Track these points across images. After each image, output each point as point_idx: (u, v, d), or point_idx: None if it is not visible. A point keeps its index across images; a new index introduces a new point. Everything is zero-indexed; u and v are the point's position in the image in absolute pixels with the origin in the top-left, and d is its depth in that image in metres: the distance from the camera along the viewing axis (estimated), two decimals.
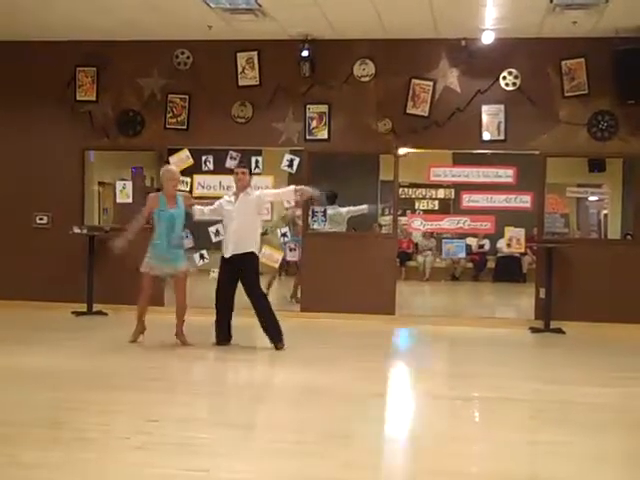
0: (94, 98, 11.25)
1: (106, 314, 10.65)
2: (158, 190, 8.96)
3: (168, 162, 10.83)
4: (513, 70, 10.49)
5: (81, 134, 11.23)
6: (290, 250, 11.20)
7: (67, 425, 5.39)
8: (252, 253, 8.50)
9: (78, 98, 11.25)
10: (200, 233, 10.66)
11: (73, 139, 11.23)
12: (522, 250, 11.68)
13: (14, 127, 11.39)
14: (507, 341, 9.68)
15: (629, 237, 11.51)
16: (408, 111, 10.69)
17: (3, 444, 4.93)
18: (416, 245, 18.29)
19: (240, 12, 9.58)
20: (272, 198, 9.44)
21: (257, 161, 10.82)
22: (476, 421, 6.15)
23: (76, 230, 10.84)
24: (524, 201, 10.60)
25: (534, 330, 10.17)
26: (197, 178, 10.97)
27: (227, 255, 8.47)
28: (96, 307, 10.70)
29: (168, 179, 8.59)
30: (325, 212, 11.17)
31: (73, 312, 10.60)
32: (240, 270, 8.43)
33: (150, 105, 11.16)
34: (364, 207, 12.54)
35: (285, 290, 12.98)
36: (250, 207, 8.50)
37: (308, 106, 10.88)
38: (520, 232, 10.77)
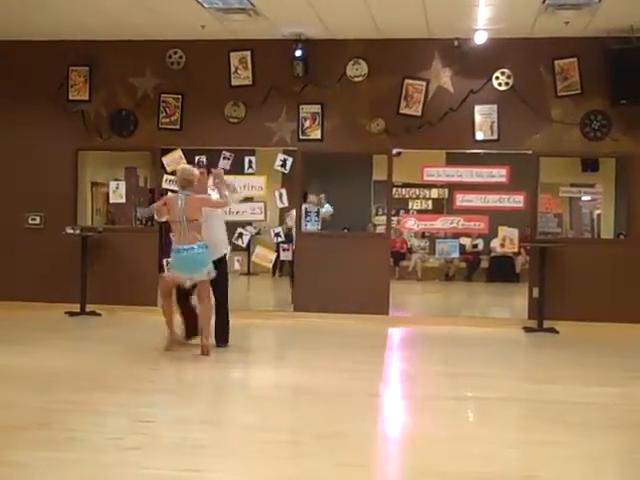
0: (87, 98, 11.21)
1: (99, 315, 10.62)
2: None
3: (162, 163, 10.86)
4: (506, 70, 10.49)
5: (74, 134, 11.20)
6: (284, 250, 11.19)
7: (59, 425, 5.36)
8: (224, 257, 8.45)
9: (71, 98, 11.21)
10: None
11: (66, 139, 11.18)
12: (515, 250, 11.69)
13: (5, 126, 11.33)
14: (501, 341, 9.69)
15: (622, 237, 11.52)
16: (401, 111, 10.70)
17: None
18: (409, 246, 18.27)
19: (233, 12, 9.56)
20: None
21: (250, 161, 10.84)
22: (470, 421, 6.15)
23: (69, 230, 10.81)
24: (517, 201, 10.61)
25: (527, 330, 10.18)
26: None
27: None
28: (89, 307, 10.67)
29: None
30: (319, 212, 11.18)
31: (66, 312, 10.58)
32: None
33: (143, 105, 11.14)
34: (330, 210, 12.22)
35: (279, 291, 12.97)
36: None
37: (301, 106, 10.88)
38: (513, 232, 10.78)
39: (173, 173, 10.82)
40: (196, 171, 8.17)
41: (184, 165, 8.53)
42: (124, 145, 11.26)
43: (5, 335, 9.02)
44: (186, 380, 7.43)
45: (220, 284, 8.29)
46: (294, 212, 11.22)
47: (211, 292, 8.13)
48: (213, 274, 7.98)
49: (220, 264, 8.28)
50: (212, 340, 8.26)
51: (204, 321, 8.09)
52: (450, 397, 6.59)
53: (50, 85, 11.15)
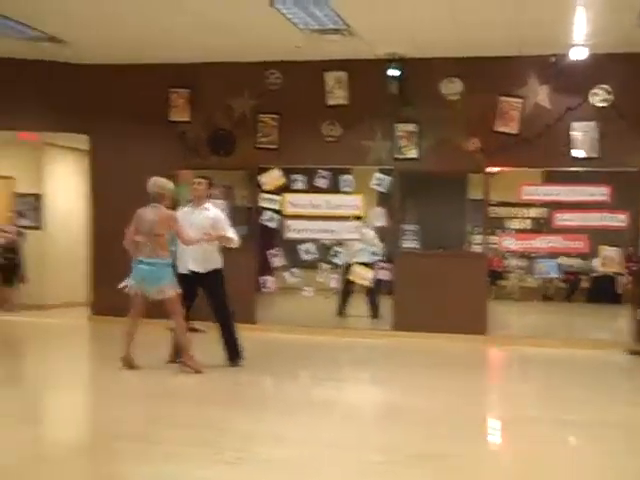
0: (188, 119, 11.50)
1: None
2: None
3: (258, 182, 11.04)
4: (605, 86, 10.26)
5: (174, 154, 11.43)
6: (381, 269, 11.16)
7: (159, 439, 5.48)
8: (219, 270, 8.28)
9: (172, 119, 11.52)
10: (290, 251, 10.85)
11: (167, 159, 11.35)
12: (619, 270, 11.36)
13: (112, 147, 11.69)
14: (603, 363, 9.42)
15: None
16: (497, 129, 10.59)
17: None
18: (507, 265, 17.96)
19: (328, 32, 9.65)
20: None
21: (346, 180, 10.91)
22: (570, 445, 5.99)
23: None
24: (619, 220, 10.33)
25: (632, 352, 9.86)
26: (288, 197, 11.08)
27: (184, 271, 8.15)
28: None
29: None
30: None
31: None
32: (207, 287, 8.21)
33: (241, 125, 11.34)
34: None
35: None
36: (206, 225, 8.15)
37: (396, 125, 10.88)
38: (615, 251, 10.49)
39: (270, 192, 11.03)
40: (169, 185, 8.03)
41: (157, 177, 8.12)
42: (222, 164, 11.45)
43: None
44: (282, 397, 7.45)
45: (217, 298, 8.19)
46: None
47: (181, 308, 7.82)
48: (174, 291, 7.76)
49: (216, 276, 8.20)
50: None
51: (178, 338, 7.90)
52: (549, 420, 6.43)
53: (152, 106, 11.47)
